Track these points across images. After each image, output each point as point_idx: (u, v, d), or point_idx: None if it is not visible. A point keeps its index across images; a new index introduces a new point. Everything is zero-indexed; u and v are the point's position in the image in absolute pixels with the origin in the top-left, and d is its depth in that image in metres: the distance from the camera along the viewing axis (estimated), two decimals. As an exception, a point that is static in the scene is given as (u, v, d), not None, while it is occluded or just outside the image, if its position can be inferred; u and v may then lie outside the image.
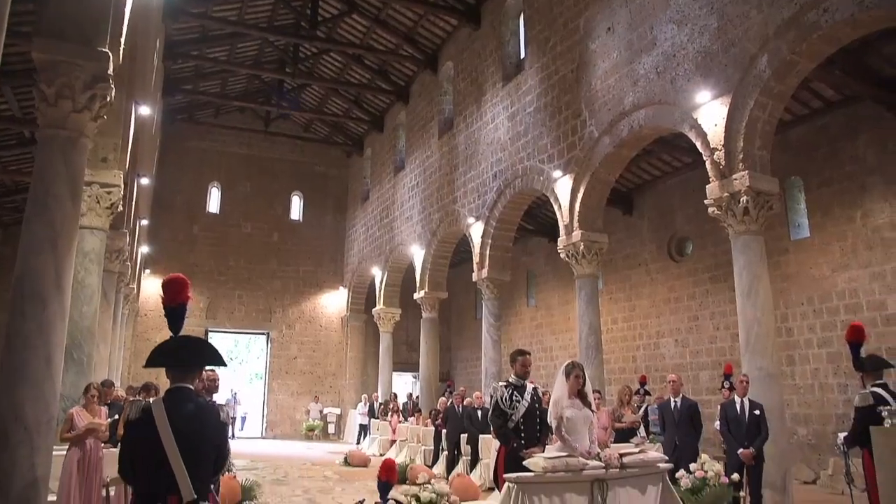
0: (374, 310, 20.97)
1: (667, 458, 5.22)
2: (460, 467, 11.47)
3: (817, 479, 11.33)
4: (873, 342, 10.54)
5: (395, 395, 18.97)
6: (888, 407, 5.13)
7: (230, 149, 24.26)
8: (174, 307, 3.23)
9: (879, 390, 5.49)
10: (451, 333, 25.05)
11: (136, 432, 2.96)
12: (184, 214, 23.27)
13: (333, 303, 24.59)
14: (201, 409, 3.10)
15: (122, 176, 9.07)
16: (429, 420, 14.28)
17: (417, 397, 18.37)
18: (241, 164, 24.32)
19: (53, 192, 5.28)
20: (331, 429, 22.82)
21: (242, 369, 32.50)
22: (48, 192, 5.26)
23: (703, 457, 5.64)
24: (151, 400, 3.04)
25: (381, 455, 14.56)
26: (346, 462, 14.09)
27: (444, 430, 12.63)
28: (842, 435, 5.85)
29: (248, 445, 18.67)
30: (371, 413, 18.69)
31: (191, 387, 3.10)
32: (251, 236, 23.99)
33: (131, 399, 7.43)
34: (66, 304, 5.43)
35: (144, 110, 10.34)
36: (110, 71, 5.53)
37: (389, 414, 16.78)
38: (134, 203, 13.51)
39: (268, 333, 23.92)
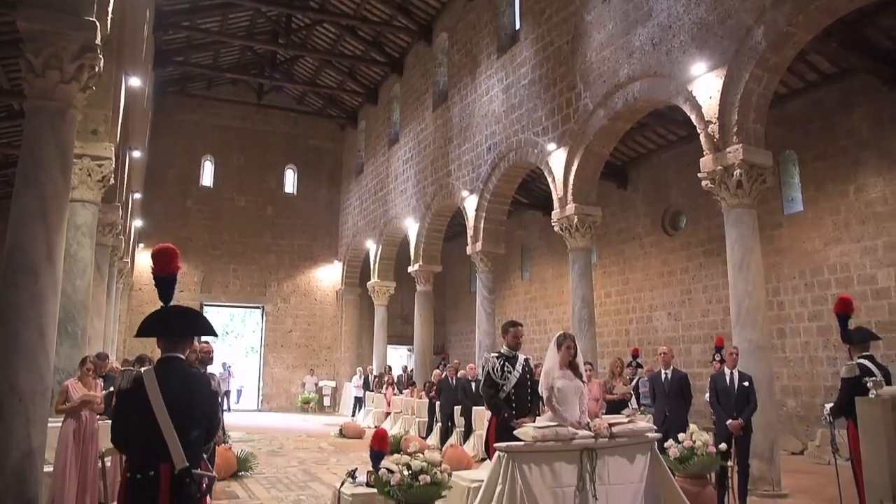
0: (368, 283, 21.01)
1: (655, 428, 5.30)
2: (454, 438, 11.61)
3: (805, 450, 11.52)
4: (863, 316, 10.64)
5: (390, 368, 19.11)
6: (874, 378, 5.19)
7: (223, 122, 24.06)
8: (164, 277, 3.23)
9: (866, 362, 5.56)
10: (445, 307, 25.15)
11: (128, 402, 2.98)
12: (177, 188, 23.15)
13: (328, 276, 24.63)
14: (192, 379, 3.12)
15: (113, 149, 9.00)
16: (423, 392, 14.41)
17: (412, 370, 18.51)
18: (234, 137, 24.15)
19: (43, 163, 5.23)
20: (326, 401, 23.02)
21: (238, 343, 32.63)
22: (38, 164, 5.22)
23: (692, 427, 5.72)
24: (143, 370, 3.06)
25: (376, 427, 14.71)
26: (342, 434, 14.25)
27: (437, 403, 12.75)
28: (828, 406, 5.93)
29: (244, 418, 18.83)
30: (366, 386, 18.83)
31: (182, 356, 3.12)
32: (245, 210, 23.92)
33: (123, 369, 7.46)
34: (57, 276, 5.42)
35: (135, 82, 10.22)
36: (98, 41, 5.45)
37: (384, 387, 16.92)
38: (126, 176, 13.43)
39: (263, 307, 23.98)
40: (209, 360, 5.98)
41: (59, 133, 5.39)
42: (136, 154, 14.03)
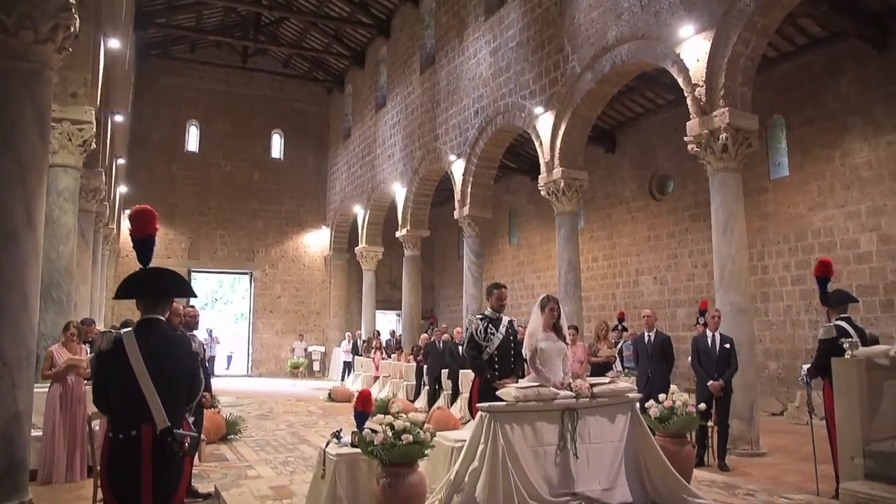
0: (356, 248, 21.01)
1: (636, 388, 5.39)
2: (441, 401, 11.76)
3: (784, 411, 11.76)
4: (845, 280, 10.79)
5: (378, 333, 19.22)
6: (850, 339, 5.29)
7: (207, 85, 23.68)
8: (142, 239, 3.22)
9: (843, 324, 5.66)
10: (434, 272, 25.23)
11: (108, 363, 3.00)
12: (162, 153, 22.88)
13: (316, 242, 24.58)
14: (172, 339, 3.13)
15: (93, 112, 8.86)
16: (410, 356, 14.54)
17: (400, 335, 18.64)
18: (220, 101, 23.80)
19: (19, 127, 5.15)
20: (315, 366, 23.19)
21: (227, 310, 32.65)
22: (14, 127, 5.13)
23: (673, 388, 5.82)
24: (123, 331, 3.07)
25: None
26: (330, 398, 14.39)
27: (425, 366, 12.88)
28: (805, 367, 6.05)
29: (233, 383, 18.95)
30: (354, 350, 18.97)
31: (162, 318, 3.12)
32: (232, 175, 23.70)
33: (103, 331, 7.47)
34: (38, 241, 5.39)
35: (114, 44, 10.00)
36: (73, 0, 5.32)
37: (372, 351, 17.05)
38: (109, 141, 13.24)
39: (251, 273, 23.95)
40: (195, 325, 6.00)
41: (35, 95, 5.29)
42: (119, 118, 13.82)
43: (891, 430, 5.18)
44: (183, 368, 3.08)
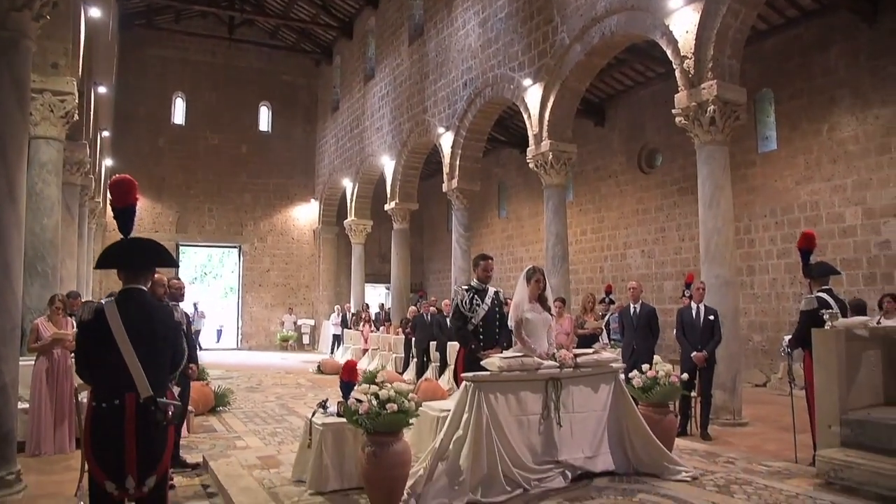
0: (345, 222, 20.96)
1: (619, 358, 5.45)
2: (429, 373, 11.85)
3: (768, 382, 11.94)
4: (829, 253, 10.88)
5: (367, 306, 19.28)
6: (830, 311, 5.36)
7: (193, 57, 23.32)
8: (123, 209, 3.20)
9: (824, 295, 5.73)
10: (423, 246, 25.24)
11: (90, 333, 2.99)
12: (148, 126, 22.59)
13: (305, 215, 24.48)
14: (154, 309, 3.13)
15: (75, 83, 8.72)
16: (399, 329, 14.61)
17: (389, 308, 18.70)
18: (206, 73, 23.47)
19: (-2, 96, 5.08)
20: (305, 339, 23.27)
21: (217, 284, 32.61)
22: (-8, 97, 5.06)
23: (656, 358, 5.89)
24: (104, 301, 3.06)
25: (354, 363, 14.92)
26: (319, 370, 14.47)
27: (413, 339, 12.95)
28: (786, 338, 6.13)
29: (223, 357, 18.99)
30: (344, 324, 19.03)
31: (143, 288, 3.12)
32: (219, 148, 23.47)
33: (84, 301, 7.45)
34: (20, 213, 5.34)
35: (95, 12, 9.80)
36: (49, -35, 5.21)
37: (361, 324, 17.10)
38: (92, 113, 13.06)
39: (239, 247, 23.86)
40: (180, 297, 5.99)
41: (12, 64, 5.21)
42: (102, 90, 13.60)
43: (868, 400, 5.29)
44: (165, 338, 3.08)
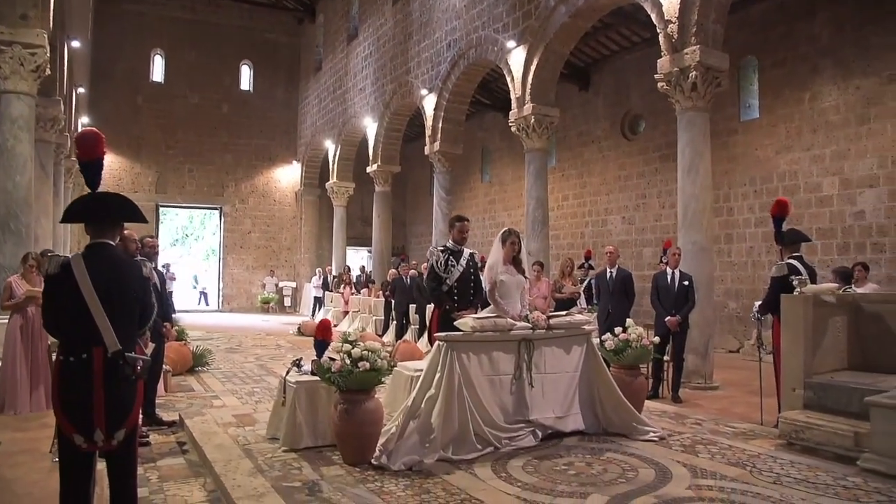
0: (327, 184, 20.81)
1: (591, 321, 5.53)
2: (409, 335, 11.94)
3: (741, 348, 12.17)
4: (806, 222, 11.00)
5: (349, 269, 19.27)
6: (799, 277, 5.45)
7: (172, 13, 22.73)
8: (90, 162, 3.15)
9: (794, 262, 5.81)
10: (406, 209, 25.17)
11: (57, 287, 2.97)
12: (126, 84, 22.10)
13: (287, 177, 24.26)
14: (122, 263, 3.11)
15: (46, 36, 8.49)
16: (380, 292, 14.65)
17: (370, 271, 18.72)
18: (185, 30, 22.91)
19: (-38, 45, 4.93)
20: (286, 302, 23.28)
21: (199, 246, 32.38)
22: (-44, 46, 4.91)
23: (629, 321, 5.98)
24: (71, 255, 3.03)
25: (335, 325, 15.00)
26: (300, 332, 14.51)
27: (393, 301, 13.00)
28: (757, 303, 6.23)
29: (204, 318, 18.97)
30: (325, 286, 19.04)
31: (111, 243, 3.09)
32: (199, 108, 23.06)
33: (50, 255, 7.40)
34: (-11, 167, 5.24)
35: (67, -38, 9.50)
36: None
37: (342, 286, 17.13)
38: (66, 68, 12.75)
39: (220, 208, 23.64)
40: (153, 255, 5.95)
41: (-23, 12, 5.05)
42: (76, 44, 13.26)
43: (832, 365, 5.42)
44: (132, 292, 3.06)
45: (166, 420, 6.08)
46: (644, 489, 3.99)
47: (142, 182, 22.22)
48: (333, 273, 19.38)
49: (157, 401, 6.26)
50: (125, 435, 3.02)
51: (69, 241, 17.85)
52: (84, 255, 3.01)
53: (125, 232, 5.11)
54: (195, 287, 26.34)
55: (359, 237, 23.32)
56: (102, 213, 3.07)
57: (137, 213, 3.17)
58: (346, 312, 16.18)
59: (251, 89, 24.15)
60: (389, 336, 12.84)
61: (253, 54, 23.94)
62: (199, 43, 23.02)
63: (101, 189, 3.21)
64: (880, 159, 10.40)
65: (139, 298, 3.11)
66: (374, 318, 14.33)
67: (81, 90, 17.18)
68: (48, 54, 8.57)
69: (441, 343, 4.69)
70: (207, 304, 24.96)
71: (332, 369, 4.24)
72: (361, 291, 16.81)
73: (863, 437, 4.47)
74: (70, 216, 3.13)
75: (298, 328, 14.85)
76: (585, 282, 10.64)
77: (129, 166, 21.99)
